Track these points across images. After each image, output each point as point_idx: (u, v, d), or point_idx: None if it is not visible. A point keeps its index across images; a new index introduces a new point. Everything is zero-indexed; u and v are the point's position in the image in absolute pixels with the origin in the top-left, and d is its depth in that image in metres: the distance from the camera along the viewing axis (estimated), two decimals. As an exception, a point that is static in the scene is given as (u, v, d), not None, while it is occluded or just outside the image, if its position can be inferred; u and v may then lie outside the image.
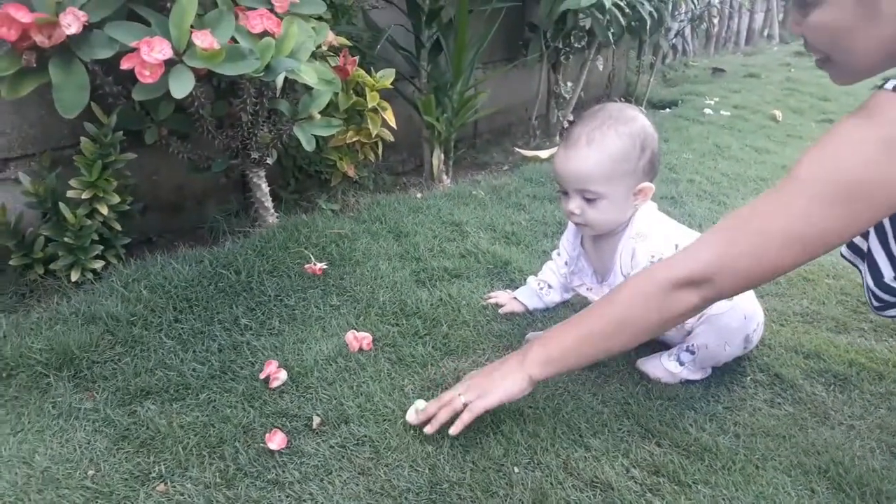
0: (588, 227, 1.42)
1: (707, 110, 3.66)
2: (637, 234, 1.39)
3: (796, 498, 1.14)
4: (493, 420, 1.28)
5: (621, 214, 1.40)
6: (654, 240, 1.38)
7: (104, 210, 1.64)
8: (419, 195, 2.35)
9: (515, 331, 1.57)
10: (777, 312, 1.69)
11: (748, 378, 1.44)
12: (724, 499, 1.13)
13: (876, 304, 1.29)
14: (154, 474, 1.14)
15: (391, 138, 2.20)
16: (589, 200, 1.37)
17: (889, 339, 1.59)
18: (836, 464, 1.20)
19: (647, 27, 3.14)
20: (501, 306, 1.65)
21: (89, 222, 1.63)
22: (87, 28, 1.44)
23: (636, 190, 1.38)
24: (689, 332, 1.41)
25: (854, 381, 1.44)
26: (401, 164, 2.70)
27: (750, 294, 1.43)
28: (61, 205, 1.59)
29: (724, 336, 1.38)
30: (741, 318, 1.38)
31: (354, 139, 2.13)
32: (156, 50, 1.42)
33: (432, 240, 1.97)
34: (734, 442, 1.26)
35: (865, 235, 1.35)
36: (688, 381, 1.42)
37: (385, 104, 2.12)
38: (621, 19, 2.71)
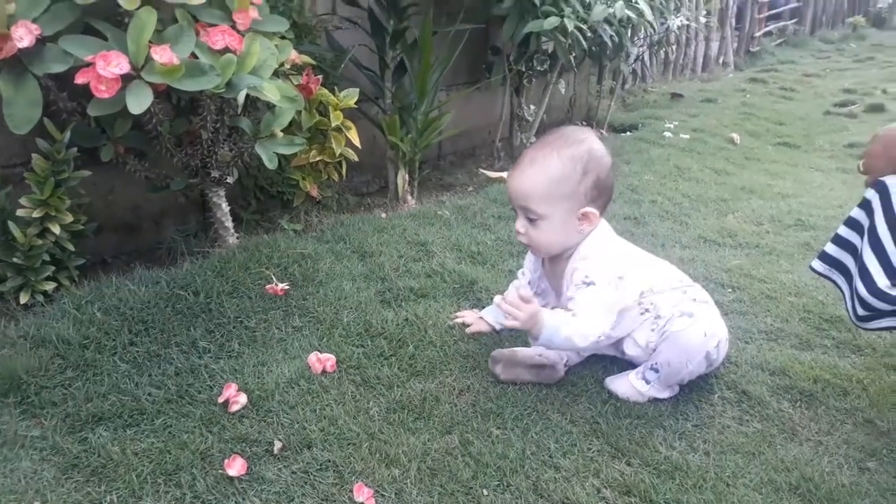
0: (535, 248, 1.44)
1: (667, 133, 3.72)
2: (582, 258, 1.38)
3: (768, 515, 1.13)
4: (461, 441, 1.26)
5: (564, 238, 1.39)
6: (592, 262, 1.36)
7: (56, 230, 1.58)
8: (384, 215, 2.32)
9: (482, 350, 1.55)
10: (742, 330, 1.69)
11: (716, 395, 1.44)
12: (696, 518, 1.12)
13: (862, 312, 1.31)
14: (105, 504, 1.09)
15: (355, 158, 2.18)
16: (531, 220, 1.37)
17: (852, 356, 1.60)
18: (805, 480, 1.19)
19: (608, 51, 3.18)
20: (468, 326, 1.63)
21: (40, 242, 1.57)
22: (41, 41, 1.40)
23: (579, 214, 1.36)
24: (654, 350, 1.41)
25: (819, 397, 1.44)
26: (365, 185, 2.68)
27: (711, 311, 1.43)
28: (10, 224, 1.53)
29: (685, 353, 1.37)
30: (701, 334, 1.37)
31: (318, 158, 2.11)
32: (112, 64, 1.38)
33: (398, 259, 1.95)
34: (704, 460, 1.25)
35: (846, 246, 1.37)
36: (656, 399, 1.41)
37: (349, 123, 2.11)
38: (583, 43, 2.74)
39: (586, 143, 1.37)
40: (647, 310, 1.42)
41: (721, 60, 6.56)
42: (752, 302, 1.85)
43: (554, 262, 1.47)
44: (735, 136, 3.75)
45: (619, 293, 1.37)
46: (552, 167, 1.34)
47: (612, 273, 1.36)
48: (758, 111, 4.51)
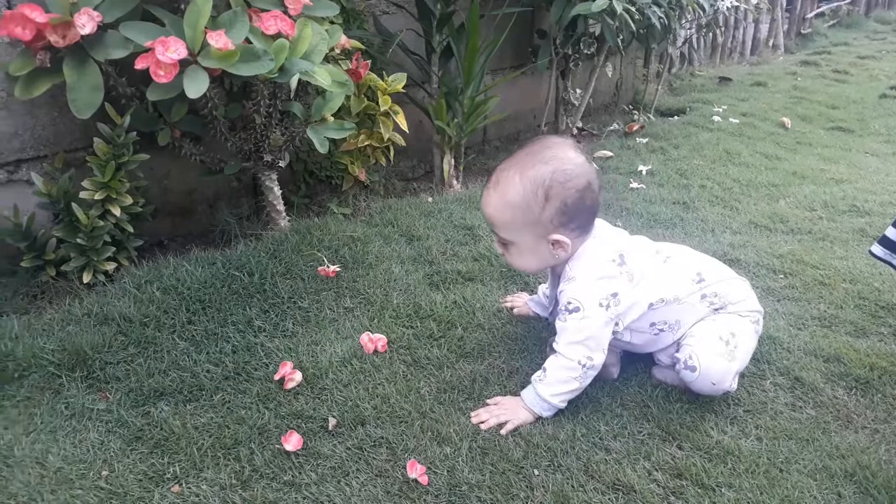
0: (515, 268, 1.37)
1: (715, 118, 3.65)
2: (569, 279, 1.31)
3: (823, 502, 1.12)
4: (511, 422, 1.27)
5: (541, 262, 1.33)
6: (579, 285, 1.28)
7: (117, 211, 1.63)
8: (430, 199, 2.34)
9: (531, 334, 1.56)
10: (794, 316, 1.67)
11: (768, 381, 1.42)
12: (748, 502, 1.11)
13: None
14: (168, 475, 1.13)
15: (403, 143, 2.20)
16: (503, 243, 1.34)
17: (909, 343, 1.57)
18: (862, 468, 1.18)
19: (656, 34, 3.13)
20: (516, 308, 1.64)
21: (102, 223, 1.62)
22: (102, 28, 1.44)
23: (551, 240, 1.28)
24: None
25: (876, 384, 1.41)
26: (411, 169, 2.70)
27: (713, 350, 1.30)
28: (74, 205, 1.58)
29: (708, 393, 1.33)
30: (709, 384, 1.29)
31: (366, 143, 2.13)
32: (171, 50, 1.41)
33: (445, 243, 1.96)
34: (756, 445, 1.24)
35: None
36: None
37: (397, 108, 2.12)
38: (631, 25, 2.70)
39: (551, 164, 1.24)
40: (661, 330, 1.37)
41: (771, 43, 6.40)
42: (804, 288, 1.81)
43: (553, 275, 1.43)
44: (786, 120, 3.66)
45: (615, 309, 1.29)
46: (512, 193, 1.25)
47: (603, 293, 1.28)
48: (810, 95, 4.39)
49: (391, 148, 2.21)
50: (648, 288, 1.33)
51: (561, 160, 1.26)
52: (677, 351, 1.35)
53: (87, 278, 1.64)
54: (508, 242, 1.31)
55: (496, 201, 1.28)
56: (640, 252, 1.37)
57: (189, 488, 1.11)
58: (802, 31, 6.95)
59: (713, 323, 1.35)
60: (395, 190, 2.48)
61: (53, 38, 1.41)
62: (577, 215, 1.27)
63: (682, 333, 1.37)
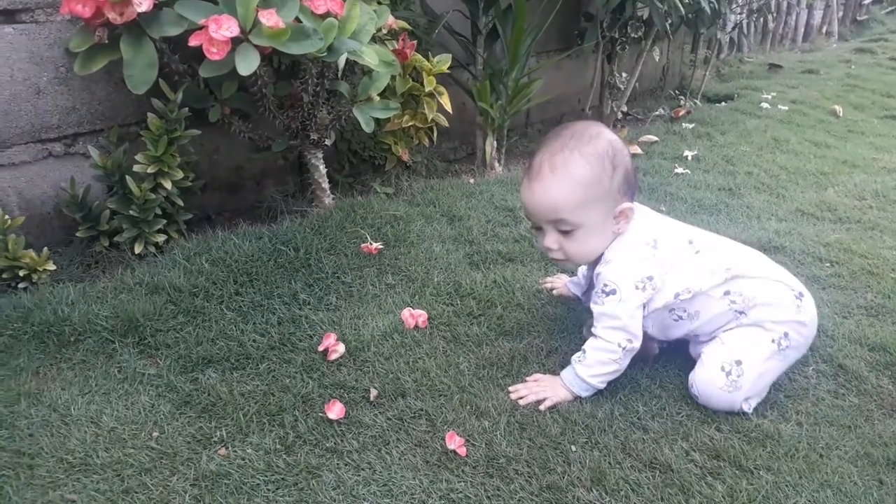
0: (569, 262, 1.33)
1: (764, 104, 3.58)
2: (605, 261, 1.30)
3: (863, 488, 1.11)
4: (549, 399, 1.28)
5: (602, 241, 1.30)
6: (614, 267, 1.28)
7: (168, 185, 1.68)
8: (472, 181, 2.35)
9: (570, 315, 1.56)
10: (840, 305, 1.64)
11: (810, 368, 1.41)
12: (787, 485, 1.11)
13: None
14: (216, 439, 1.17)
15: (445, 124, 2.21)
16: (565, 232, 1.28)
17: (960, 335, 1.53)
18: (905, 456, 1.16)
19: (705, 19, 3.08)
20: (555, 289, 1.65)
21: (153, 196, 1.67)
22: (158, 6, 1.48)
23: (616, 212, 1.28)
24: None
25: (923, 375, 1.39)
26: (452, 151, 2.71)
27: (713, 383, 1.26)
28: (128, 178, 1.63)
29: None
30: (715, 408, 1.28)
31: (410, 124, 2.15)
32: (223, 27, 1.44)
33: (485, 224, 1.97)
34: (797, 430, 1.23)
35: None
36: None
37: (441, 89, 2.13)
38: (681, 9, 2.66)
39: (604, 136, 1.27)
40: (679, 317, 1.34)
41: (824, 30, 6.22)
42: (851, 277, 1.78)
43: (592, 266, 1.40)
44: (837, 108, 3.57)
45: (648, 292, 1.28)
46: (580, 170, 1.23)
47: (639, 276, 1.27)
48: (863, 83, 4.27)
49: (434, 129, 2.22)
50: (676, 278, 1.31)
51: (607, 132, 1.29)
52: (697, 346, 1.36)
53: (138, 249, 1.69)
54: (575, 228, 1.26)
55: (562, 185, 1.24)
56: (672, 240, 1.34)
57: (235, 451, 1.14)
58: (858, 18, 6.74)
59: (721, 347, 1.30)
60: (437, 171, 2.50)
61: (112, 16, 1.45)
62: (632, 183, 1.30)
63: (699, 325, 1.33)
